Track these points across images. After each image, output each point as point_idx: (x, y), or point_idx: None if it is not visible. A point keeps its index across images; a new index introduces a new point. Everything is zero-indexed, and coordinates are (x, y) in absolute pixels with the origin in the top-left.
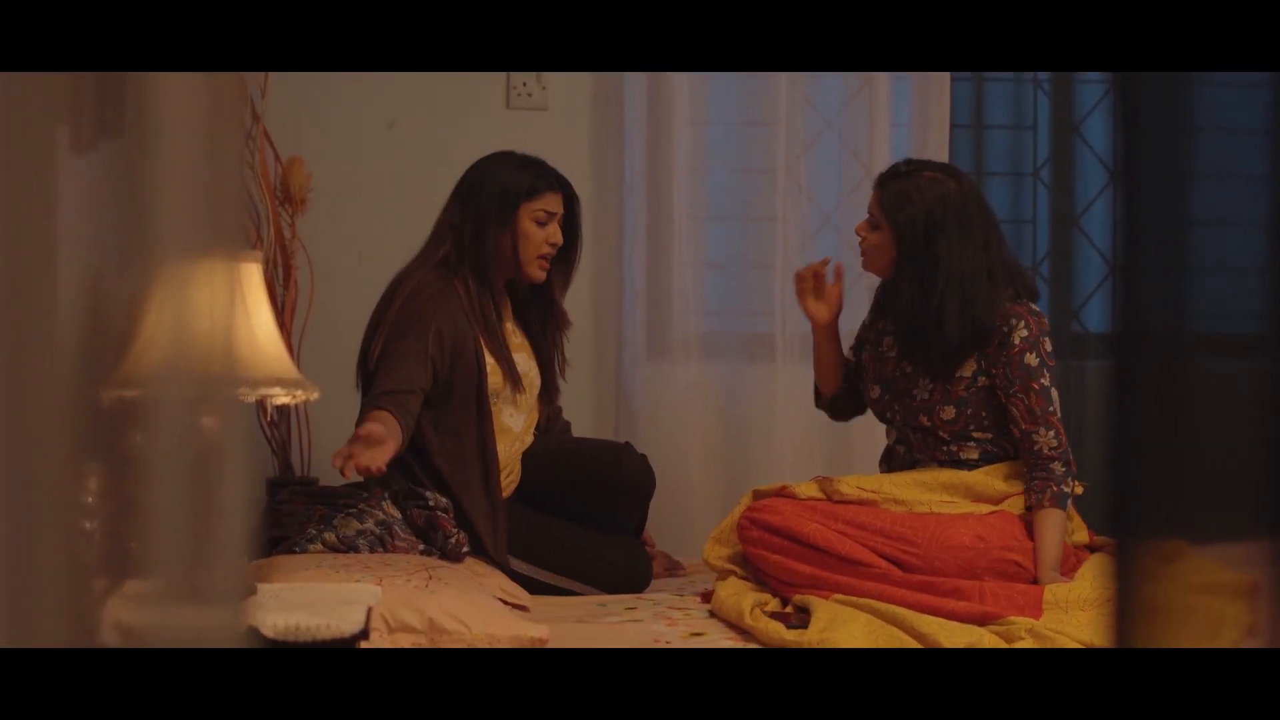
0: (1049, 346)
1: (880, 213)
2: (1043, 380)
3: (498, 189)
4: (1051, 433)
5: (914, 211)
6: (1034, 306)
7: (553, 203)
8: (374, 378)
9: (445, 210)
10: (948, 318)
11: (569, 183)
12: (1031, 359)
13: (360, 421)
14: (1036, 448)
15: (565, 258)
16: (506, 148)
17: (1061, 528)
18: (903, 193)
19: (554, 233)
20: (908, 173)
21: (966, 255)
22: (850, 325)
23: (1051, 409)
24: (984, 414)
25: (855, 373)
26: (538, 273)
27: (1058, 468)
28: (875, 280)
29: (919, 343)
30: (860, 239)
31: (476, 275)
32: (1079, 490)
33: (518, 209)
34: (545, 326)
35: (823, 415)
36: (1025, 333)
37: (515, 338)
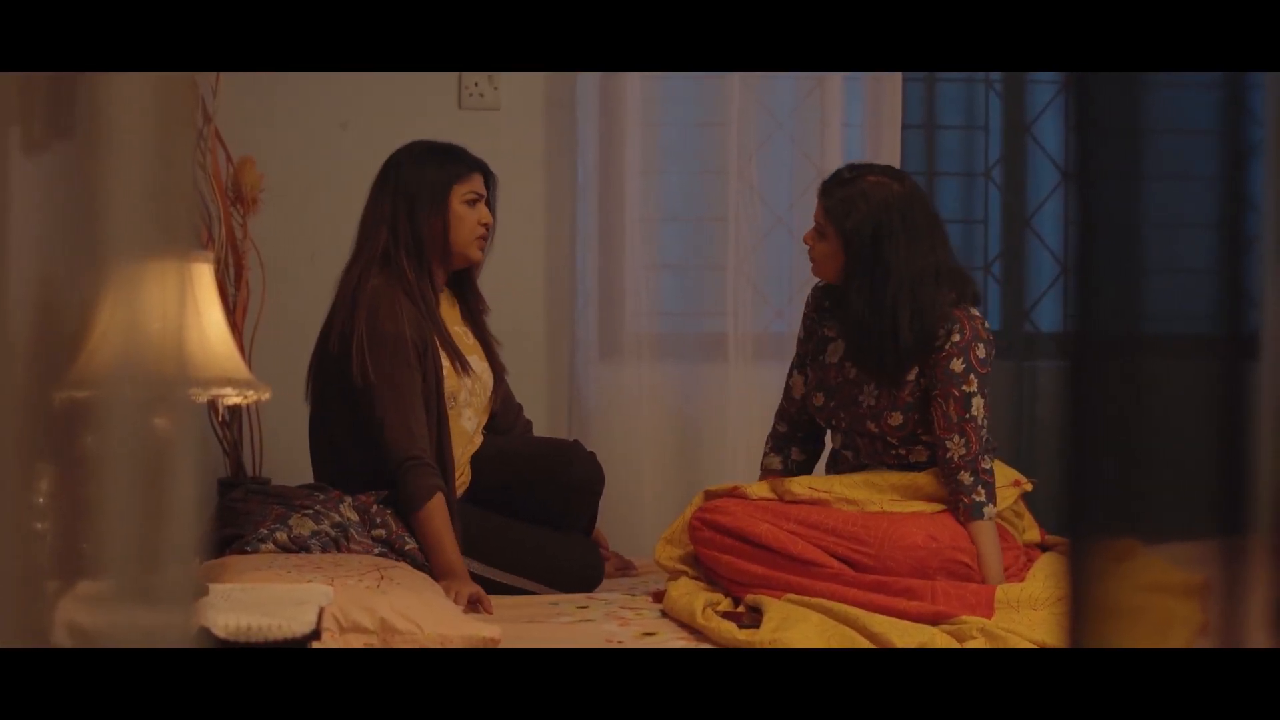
0: (982, 353)
1: (826, 220)
2: (965, 387)
3: (427, 177)
4: (962, 440)
5: (860, 218)
6: (974, 311)
7: (478, 184)
8: (383, 423)
9: (372, 204)
10: (901, 324)
11: (485, 163)
12: (957, 364)
13: (413, 489)
14: (947, 455)
15: None
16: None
17: (991, 538)
18: (848, 199)
19: (484, 213)
20: (851, 178)
21: (915, 259)
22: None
23: (969, 416)
24: (929, 417)
25: (802, 408)
26: (476, 252)
27: (965, 477)
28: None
29: (871, 350)
30: (809, 248)
31: (415, 264)
32: (1028, 487)
33: (449, 194)
34: (475, 316)
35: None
36: (957, 338)
37: (468, 339)
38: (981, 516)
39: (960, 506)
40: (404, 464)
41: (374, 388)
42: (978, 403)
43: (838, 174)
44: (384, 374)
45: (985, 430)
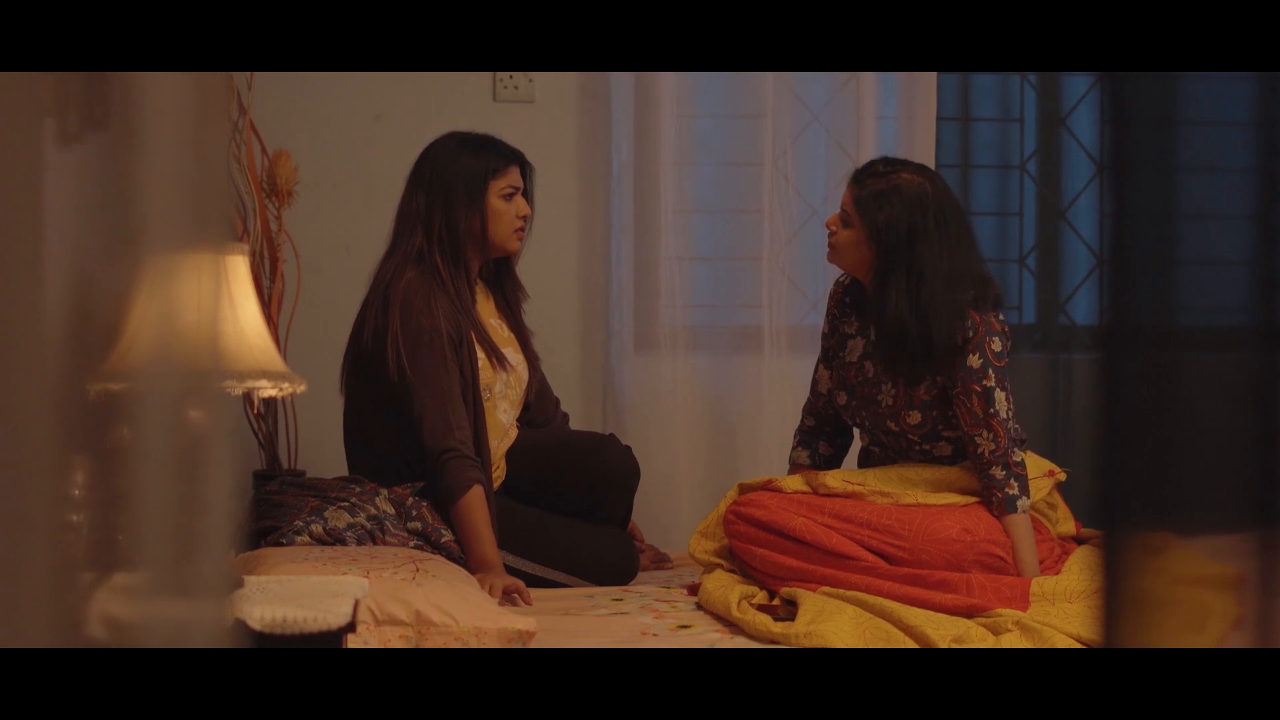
0: (997, 346)
1: (854, 211)
2: (985, 382)
3: (463, 173)
4: (990, 435)
5: (893, 216)
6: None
7: (515, 177)
8: (421, 416)
9: (407, 199)
10: (937, 325)
11: (522, 153)
12: (974, 360)
13: (449, 483)
14: (979, 451)
15: None
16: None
17: (1026, 530)
18: (880, 194)
19: (522, 205)
20: (886, 173)
21: (947, 260)
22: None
23: (993, 411)
24: (949, 413)
25: (828, 402)
26: (515, 244)
27: (997, 472)
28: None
29: (901, 349)
30: (830, 233)
31: (450, 261)
32: (1061, 477)
33: (485, 189)
34: (512, 305)
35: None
36: (971, 334)
37: (503, 331)
38: (1015, 509)
39: (994, 500)
40: (442, 456)
41: (411, 382)
42: (1000, 396)
43: (871, 166)
44: (420, 368)
45: (1012, 422)
